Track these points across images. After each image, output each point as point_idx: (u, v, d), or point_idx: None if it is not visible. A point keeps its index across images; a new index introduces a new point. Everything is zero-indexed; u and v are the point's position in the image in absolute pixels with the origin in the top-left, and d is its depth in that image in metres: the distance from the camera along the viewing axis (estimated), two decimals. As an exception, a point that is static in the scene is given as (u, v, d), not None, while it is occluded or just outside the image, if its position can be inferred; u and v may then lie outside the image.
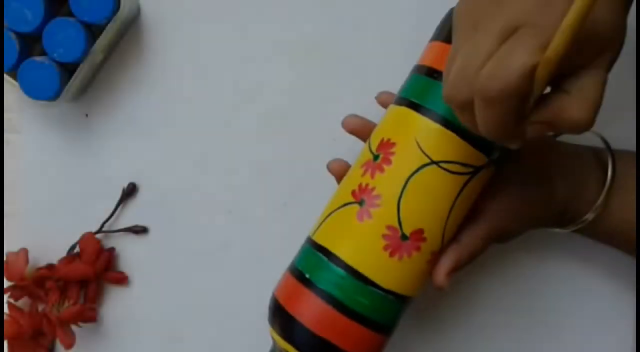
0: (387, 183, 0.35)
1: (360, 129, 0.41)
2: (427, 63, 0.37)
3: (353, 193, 0.36)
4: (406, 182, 0.34)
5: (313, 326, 0.34)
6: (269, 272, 0.49)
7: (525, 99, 0.27)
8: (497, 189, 0.37)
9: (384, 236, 0.34)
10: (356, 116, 0.41)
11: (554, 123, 0.28)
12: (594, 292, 0.46)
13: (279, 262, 0.49)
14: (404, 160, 0.35)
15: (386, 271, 0.34)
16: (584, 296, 0.46)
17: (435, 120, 0.34)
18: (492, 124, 0.28)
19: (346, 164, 0.40)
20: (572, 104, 0.28)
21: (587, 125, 0.28)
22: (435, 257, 0.36)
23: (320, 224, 0.37)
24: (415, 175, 0.34)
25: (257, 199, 0.48)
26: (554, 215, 0.39)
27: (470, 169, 0.35)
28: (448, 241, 0.36)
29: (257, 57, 0.48)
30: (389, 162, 0.35)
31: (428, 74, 0.36)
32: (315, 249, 0.36)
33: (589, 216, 0.39)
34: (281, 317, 0.36)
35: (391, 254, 0.34)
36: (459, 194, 0.35)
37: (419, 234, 0.34)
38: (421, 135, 0.35)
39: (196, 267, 0.49)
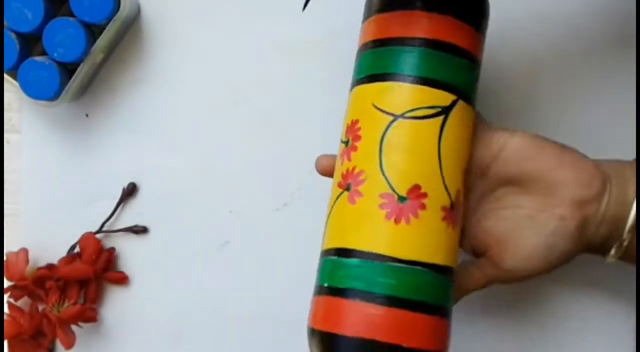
0: (363, 157, 0.34)
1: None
2: (363, 40, 0.37)
3: (339, 185, 0.35)
4: (380, 147, 0.33)
5: (354, 331, 0.31)
6: (269, 272, 0.49)
7: None
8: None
9: (381, 205, 0.33)
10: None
11: None
12: (593, 292, 0.46)
13: (278, 262, 0.49)
14: (370, 128, 0.34)
15: (398, 240, 0.32)
16: (584, 295, 0.46)
17: (384, 80, 0.34)
18: None
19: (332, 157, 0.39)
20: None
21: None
22: (450, 214, 0.33)
23: (324, 234, 0.36)
24: (386, 136, 0.33)
25: (257, 199, 0.48)
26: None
27: (439, 109, 0.33)
28: (457, 193, 0.34)
29: (257, 57, 0.48)
30: (358, 138, 0.34)
31: (363, 48, 0.36)
32: (326, 256, 0.35)
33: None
34: (322, 342, 0.33)
35: (396, 221, 0.32)
36: (439, 139, 0.33)
37: (416, 190, 0.33)
38: (377, 99, 0.34)
39: (196, 267, 0.49)
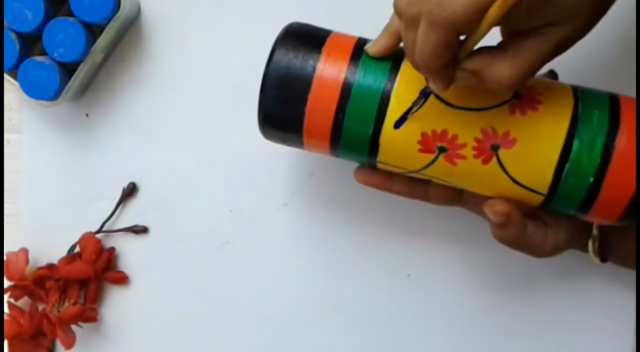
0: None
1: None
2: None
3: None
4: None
5: None
6: (269, 272, 0.49)
7: (467, 35, 0.29)
8: None
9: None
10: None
11: (480, 74, 0.30)
12: (593, 292, 0.46)
13: (278, 262, 0.49)
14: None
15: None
16: (584, 295, 0.46)
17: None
18: (428, 50, 0.29)
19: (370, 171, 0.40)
20: (503, 60, 0.30)
21: (509, 85, 0.30)
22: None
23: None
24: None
25: (257, 199, 0.48)
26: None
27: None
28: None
29: (257, 56, 0.48)
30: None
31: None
32: None
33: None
34: None
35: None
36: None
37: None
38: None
39: (196, 267, 0.49)
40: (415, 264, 0.47)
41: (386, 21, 0.46)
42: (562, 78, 0.40)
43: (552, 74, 0.40)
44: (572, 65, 0.45)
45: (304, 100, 0.35)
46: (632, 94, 0.44)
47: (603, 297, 0.46)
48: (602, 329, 0.46)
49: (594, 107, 0.33)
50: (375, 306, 0.48)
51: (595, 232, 0.39)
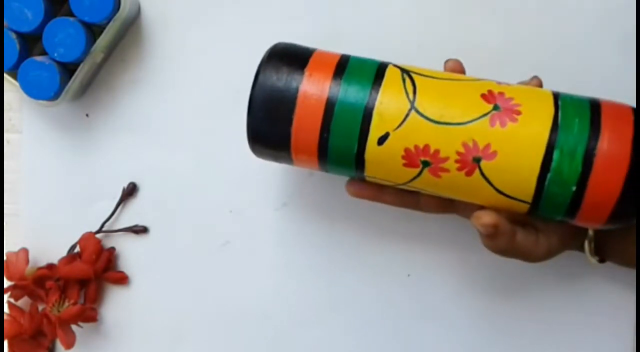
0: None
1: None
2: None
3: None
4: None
5: None
6: (269, 272, 0.49)
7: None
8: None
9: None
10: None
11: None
12: (593, 292, 0.46)
13: (278, 262, 0.49)
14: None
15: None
16: (583, 295, 0.46)
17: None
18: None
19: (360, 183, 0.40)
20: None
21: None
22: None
23: None
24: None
25: (257, 199, 0.48)
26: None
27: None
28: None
29: (257, 56, 0.48)
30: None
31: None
32: None
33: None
34: None
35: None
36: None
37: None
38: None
39: (196, 267, 0.49)
40: (415, 264, 0.47)
41: (384, 20, 0.46)
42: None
43: (537, 81, 0.40)
44: (572, 65, 0.45)
45: (289, 121, 0.36)
46: (632, 95, 0.44)
47: (602, 297, 0.46)
48: (602, 329, 0.46)
49: (574, 115, 0.33)
50: (375, 306, 0.48)
51: (590, 232, 0.39)
